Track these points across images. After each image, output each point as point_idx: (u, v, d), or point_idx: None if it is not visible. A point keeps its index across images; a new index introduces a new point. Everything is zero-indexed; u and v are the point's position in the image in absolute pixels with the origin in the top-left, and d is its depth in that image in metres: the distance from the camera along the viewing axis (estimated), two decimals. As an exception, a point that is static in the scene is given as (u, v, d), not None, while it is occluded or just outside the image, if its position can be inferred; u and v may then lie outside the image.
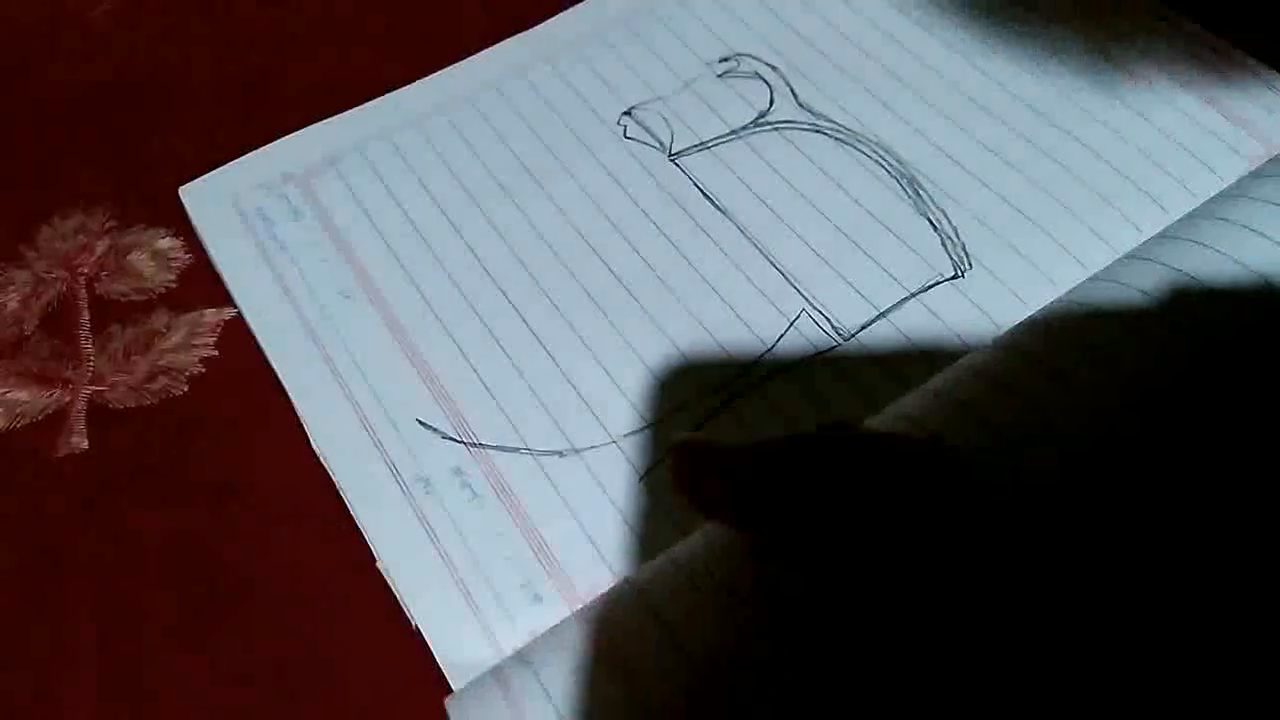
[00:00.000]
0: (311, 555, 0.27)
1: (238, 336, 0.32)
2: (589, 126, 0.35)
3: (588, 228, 0.32)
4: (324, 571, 0.27)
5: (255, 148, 0.35)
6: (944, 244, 0.31)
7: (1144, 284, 0.25)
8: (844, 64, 0.35)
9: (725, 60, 0.35)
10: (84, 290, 0.33)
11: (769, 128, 0.34)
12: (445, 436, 0.29)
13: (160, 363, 0.31)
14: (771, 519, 0.21)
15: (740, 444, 0.22)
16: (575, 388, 0.29)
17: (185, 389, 0.31)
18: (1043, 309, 0.27)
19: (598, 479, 0.28)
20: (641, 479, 0.27)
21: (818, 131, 0.33)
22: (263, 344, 0.31)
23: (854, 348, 0.29)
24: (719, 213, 0.32)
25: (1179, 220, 0.28)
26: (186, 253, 0.34)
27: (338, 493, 0.28)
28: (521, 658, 0.23)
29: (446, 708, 0.23)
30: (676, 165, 0.33)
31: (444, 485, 0.28)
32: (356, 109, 0.36)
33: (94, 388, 0.31)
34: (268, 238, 0.33)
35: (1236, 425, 0.22)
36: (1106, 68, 0.34)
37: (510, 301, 0.31)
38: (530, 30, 0.37)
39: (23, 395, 0.31)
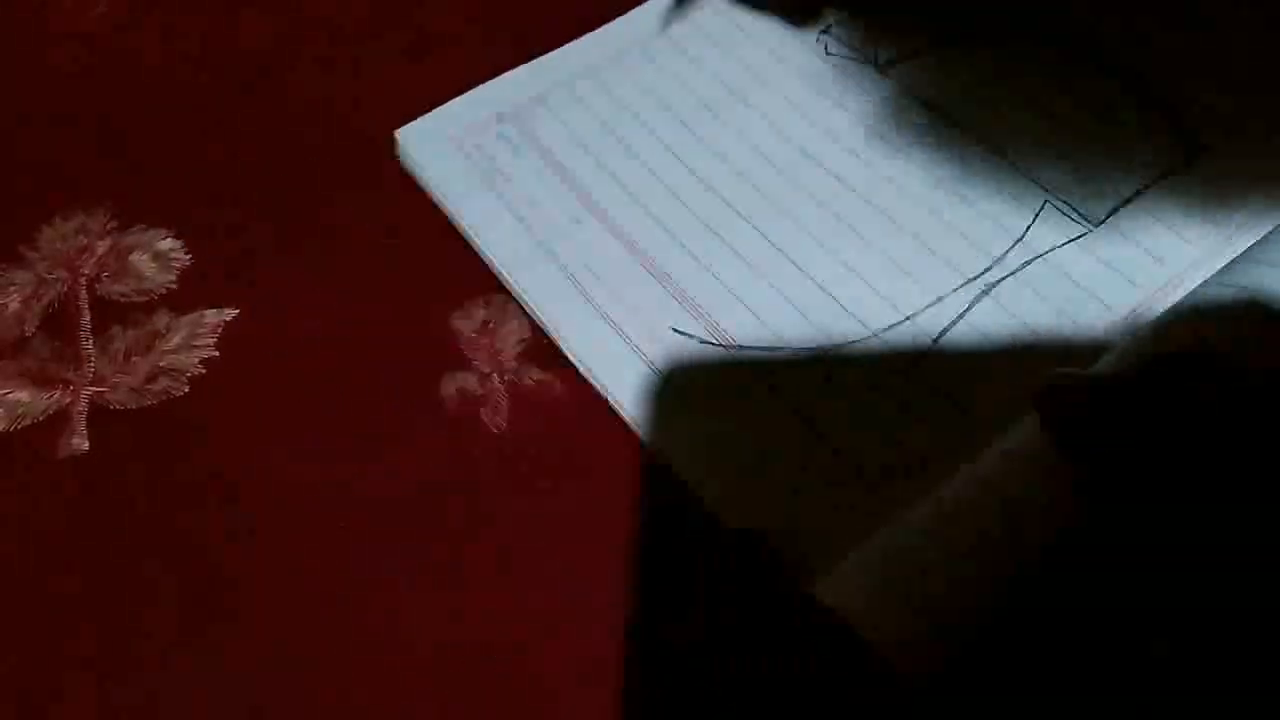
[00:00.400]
0: (311, 556, 0.27)
1: (238, 337, 0.32)
2: (786, 45, 0.35)
3: (802, 137, 0.33)
4: (324, 572, 0.27)
5: (256, 147, 0.35)
6: (1176, 135, 0.31)
7: None
8: None
9: None
10: (85, 291, 0.33)
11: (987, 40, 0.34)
12: (703, 341, 0.29)
13: (161, 364, 0.31)
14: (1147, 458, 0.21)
15: (1108, 376, 0.22)
16: (824, 288, 0.30)
17: (186, 390, 0.31)
18: None
19: (868, 369, 0.28)
20: (913, 367, 0.28)
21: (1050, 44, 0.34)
22: (504, 273, 0.31)
23: (1105, 232, 0.30)
24: (940, 122, 0.33)
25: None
26: (187, 253, 0.34)
27: (338, 493, 0.28)
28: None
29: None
30: (887, 78, 0.34)
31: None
32: (554, 52, 0.37)
33: (95, 389, 0.31)
34: (493, 171, 0.34)
35: None
36: None
37: (737, 211, 0.32)
38: None
39: (23, 396, 0.31)
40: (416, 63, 0.38)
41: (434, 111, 0.36)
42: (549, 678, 0.25)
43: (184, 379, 0.31)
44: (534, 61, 0.37)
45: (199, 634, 0.27)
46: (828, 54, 0.35)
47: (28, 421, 0.31)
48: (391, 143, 0.35)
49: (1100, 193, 0.31)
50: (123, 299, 0.33)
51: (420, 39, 0.39)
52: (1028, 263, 0.30)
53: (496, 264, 0.32)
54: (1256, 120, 0.32)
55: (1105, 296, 0.29)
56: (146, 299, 0.33)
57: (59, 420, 0.31)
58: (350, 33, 0.39)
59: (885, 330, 0.29)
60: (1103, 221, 0.30)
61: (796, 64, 0.35)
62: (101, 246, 0.34)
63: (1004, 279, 0.29)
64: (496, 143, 0.35)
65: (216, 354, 0.32)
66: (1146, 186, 0.31)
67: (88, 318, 0.33)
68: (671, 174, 0.33)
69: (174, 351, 0.31)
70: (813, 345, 0.29)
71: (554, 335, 0.30)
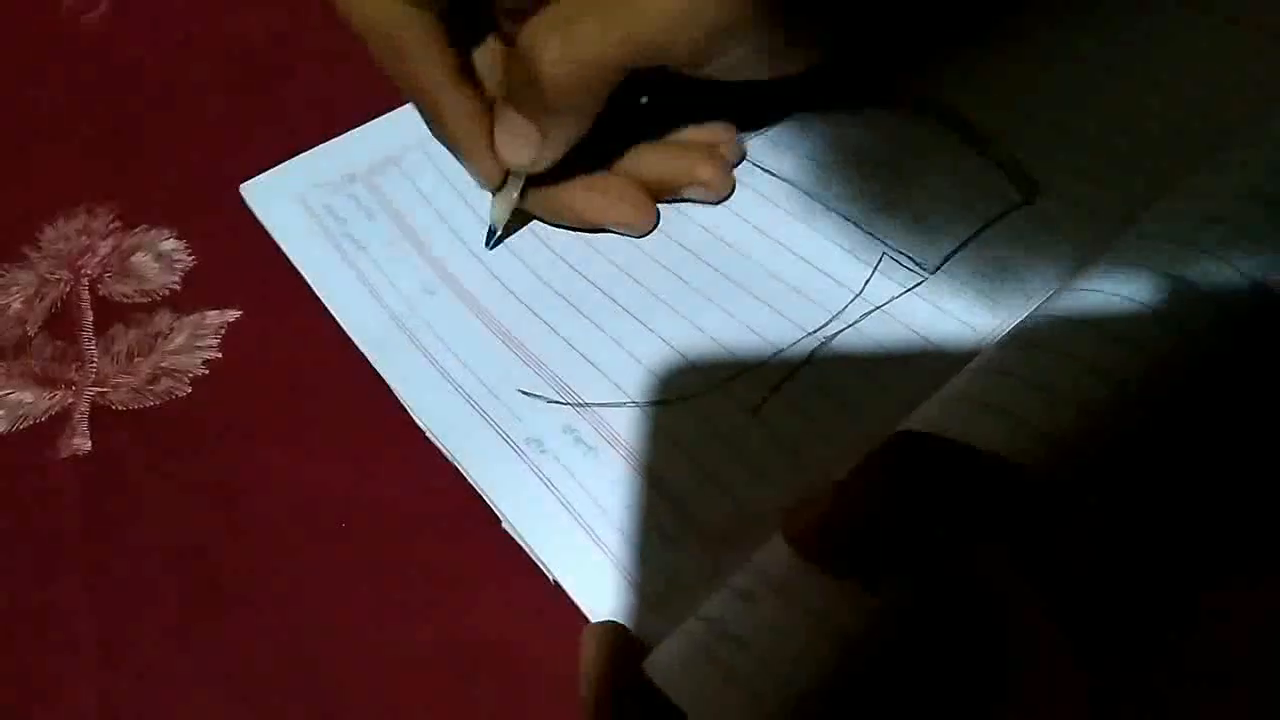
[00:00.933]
0: (313, 557, 0.27)
1: (241, 339, 0.32)
2: None
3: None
4: (325, 573, 0.27)
5: (257, 148, 0.35)
6: (1008, 175, 0.31)
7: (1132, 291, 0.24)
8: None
9: None
10: (87, 291, 0.33)
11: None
12: (550, 401, 0.29)
13: (163, 364, 0.31)
14: (872, 562, 0.20)
15: (835, 495, 0.21)
16: (669, 344, 0.30)
17: (188, 391, 0.31)
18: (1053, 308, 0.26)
19: (712, 422, 0.28)
20: (754, 413, 0.28)
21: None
22: (356, 340, 0.31)
23: (942, 279, 0.30)
24: (782, 186, 0.33)
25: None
26: (190, 254, 0.34)
27: (338, 493, 0.28)
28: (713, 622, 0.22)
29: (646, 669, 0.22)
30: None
31: (555, 441, 0.28)
32: (405, 108, 0.36)
33: (97, 389, 0.31)
34: (343, 237, 0.33)
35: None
36: None
37: (580, 273, 0.32)
38: None
39: (26, 396, 0.31)
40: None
41: (279, 167, 0.35)
42: (550, 677, 0.25)
43: (186, 379, 0.31)
44: (385, 117, 0.36)
45: (199, 634, 0.27)
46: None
47: (30, 422, 0.31)
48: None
49: (936, 240, 0.30)
50: (125, 299, 0.33)
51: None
52: (867, 314, 0.29)
53: (351, 335, 0.31)
54: (1093, 161, 0.32)
55: (943, 343, 0.29)
56: (149, 299, 0.33)
57: (61, 420, 0.31)
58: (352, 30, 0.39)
59: (728, 380, 0.29)
60: (938, 268, 0.30)
61: None
62: (104, 247, 0.34)
63: (843, 331, 0.29)
64: (346, 204, 0.34)
65: (219, 355, 0.32)
66: (981, 230, 0.30)
67: (90, 318, 0.33)
68: (518, 243, 0.33)
69: (176, 352, 0.32)
70: (658, 400, 0.29)
71: (404, 402, 0.30)
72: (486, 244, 0.32)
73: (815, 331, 0.29)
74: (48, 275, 0.33)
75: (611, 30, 0.24)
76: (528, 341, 0.31)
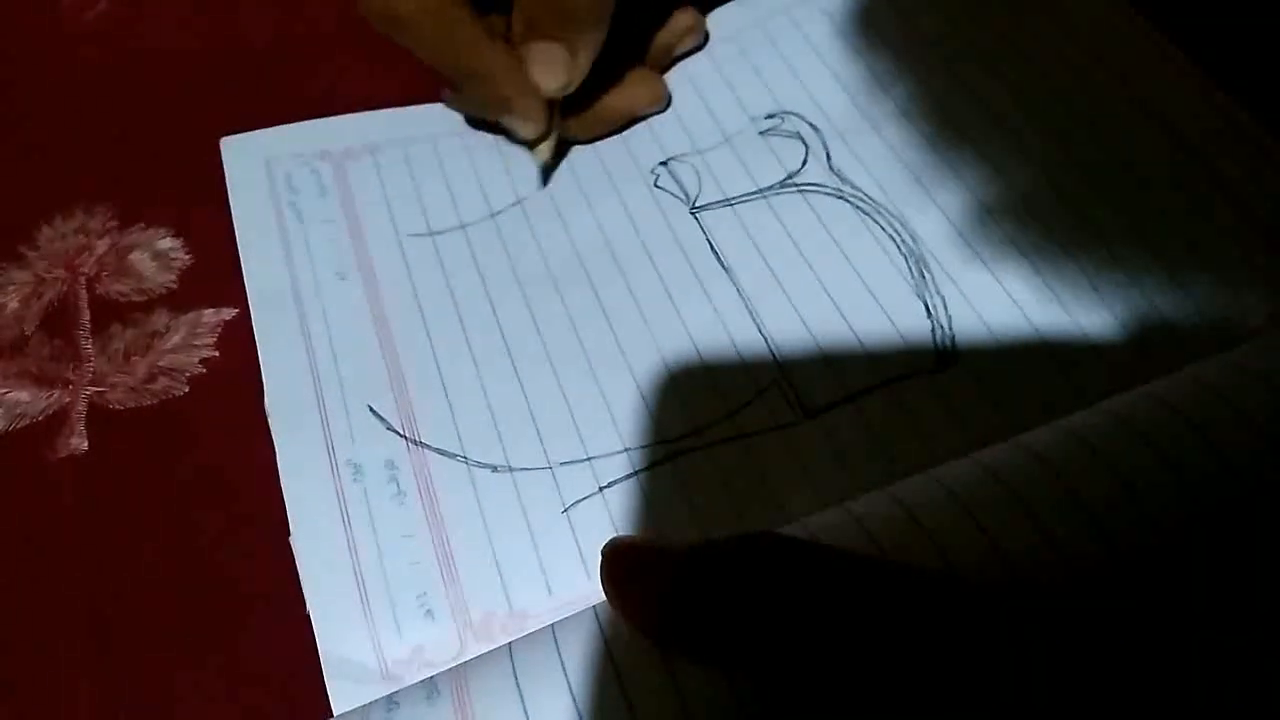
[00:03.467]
0: (311, 556, 0.27)
1: (238, 337, 0.31)
2: (623, 169, 0.34)
3: (592, 259, 0.32)
4: (324, 573, 0.27)
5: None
6: (933, 333, 0.29)
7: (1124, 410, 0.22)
8: (885, 131, 0.33)
9: (771, 117, 0.34)
10: (84, 290, 0.33)
11: (794, 189, 0.33)
12: (389, 428, 0.29)
13: (160, 363, 0.31)
14: (693, 638, 0.19)
15: (669, 548, 0.21)
16: (530, 407, 0.29)
17: (186, 390, 0.31)
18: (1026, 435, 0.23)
19: (523, 502, 0.27)
20: (564, 512, 0.27)
21: (840, 198, 0.32)
22: (250, 300, 0.31)
23: (813, 428, 0.28)
24: (721, 269, 0.31)
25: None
26: (187, 253, 0.34)
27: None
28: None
29: None
30: (695, 217, 0.33)
31: (373, 475, 0.28)
32: (409, 108, 0.36)
33: (94, 388, 0.31)
34: (288, 205, 0.34)
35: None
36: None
37: (495, 314, 0.31)
38: None
39: (22, 396, 0.31)
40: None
41: (265, 130, 0.35)
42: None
43: (184, 378, 0.31)
44: (382, 110, 0.36)
45: (198, 634, 0.26)
46: (656, 186, 0.33)
47: (27, 421, 0.31)
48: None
49: (829, 385, 0.28)
50: (122, 298, 0.33)
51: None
52: (728, 439, 0.28)
53: (249, 294, 0.31)
54: (1011, 337, 0.29)
55: (790, 494, 0.27)
56: (146, 298, 0.33)
57: (58, 420, 0.30)
58: (354, 29, 0.39)
59: (561, 465, 0.28)
60: (817, 414, 0.28)
61: (623, 187, 0.34)
62: (101, 246, 0.34)
63: (694, 450, 0.28)
64: (307, 178, 0.34)
65: (216, 354, 0.31)
66: (878, 387, 0.28)
67: (87, 317, 0.32)
68: (454, 257, 0.32)
69: (173, 351, 0.31)
70: (491, 464, 0.28)
71: (263, 375, 0.30)
72: (542, 183, 0.34)
73: (670, 441, 0.28)
74: (44, 274, 0.33)
75: None
76: (405, 359, 0.30)
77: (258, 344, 0.31)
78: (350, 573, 0.26)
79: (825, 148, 0.33)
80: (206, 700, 0.26)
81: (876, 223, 0.31)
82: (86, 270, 0.33)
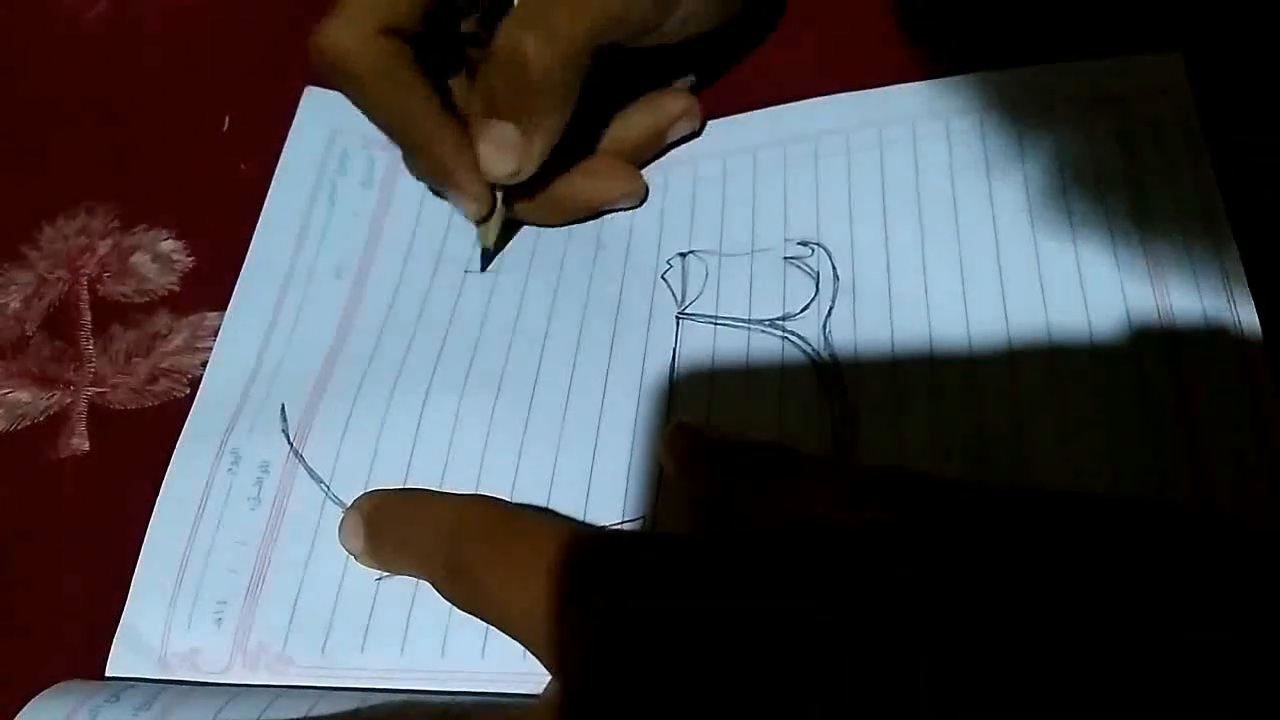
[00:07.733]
0: (312, 559, 0.27)
1: (239, 339, 0.32)
2: (644, 244, 0.32)
3: (558, 335, 0.30)
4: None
5: (258, 147, 0.35)
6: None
7: None
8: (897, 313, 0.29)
9: (804, 244, 0.30)
10: (86, 291, 0.33)
11: (779, 333, 0.29)
12: (284, 429, 0.29)
13: (162, 365, 0.31)
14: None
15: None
16: (410, 463, 0.28)
17: (187, 391, 0.31)
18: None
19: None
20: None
21: (812, 363, 0.28)
22: (245, 267, 0.32)
23: None
24: (668, 385, 0.29)
25: None
26: (189, 255, 0.34)
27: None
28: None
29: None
30: (678, 321, 0.30)
31: (245, 471, 0.28)
32: None
33: (95, 389, 0.31)
34: (329, 183, 0.34)
35: None
36: None
37: (437, 361, 0.30)
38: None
39: (24, 396, 0.31)
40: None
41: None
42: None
43: (185, 380, 0.31)
44: None
45: (198, 636, 0.27)
46: (661, 277, 0.31)
47: (28, 421, 0.31)
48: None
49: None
50: (124, 299, 0.33)
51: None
52: None
53: (249, 259, 0.32)
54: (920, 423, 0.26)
55: None
56: (147, 300, 0.33)
57: (59, 420, 0.31)
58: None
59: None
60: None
61: (631, 268, 0.31)
62: (103, 247, 0.34)
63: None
64: (361, 161, 0.34)
65: (217, 355, 0.31)
66: None
67: (88, 318, 0.33)
68: (442, 290, 0.31)
69: (175, 353, 0.31)
70: (346, 503, 0.27)
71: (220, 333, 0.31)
72: (481, 267, 0.31)
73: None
74: (46, 275, 0.33)
75: (582, 11, 0.27)
76: (339, 372, 0.30)
77: (229, 304, 0.31)
78: (178, 558, 0.27)
79: (833, 299, 0.29)
80: (206, 701, 0.26)
81: (829, 407, 0.27)
82: (88, 271, 0.34)
